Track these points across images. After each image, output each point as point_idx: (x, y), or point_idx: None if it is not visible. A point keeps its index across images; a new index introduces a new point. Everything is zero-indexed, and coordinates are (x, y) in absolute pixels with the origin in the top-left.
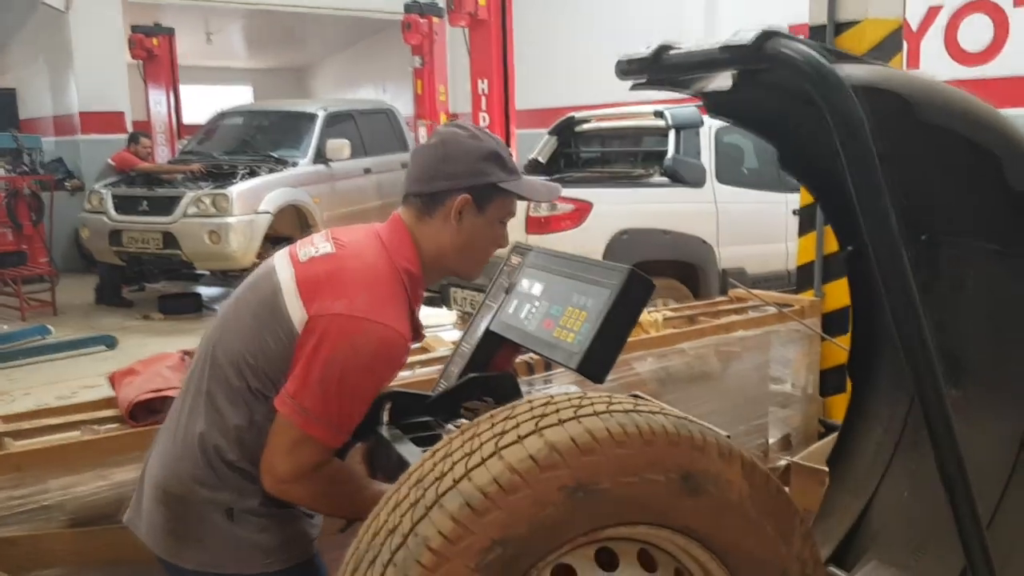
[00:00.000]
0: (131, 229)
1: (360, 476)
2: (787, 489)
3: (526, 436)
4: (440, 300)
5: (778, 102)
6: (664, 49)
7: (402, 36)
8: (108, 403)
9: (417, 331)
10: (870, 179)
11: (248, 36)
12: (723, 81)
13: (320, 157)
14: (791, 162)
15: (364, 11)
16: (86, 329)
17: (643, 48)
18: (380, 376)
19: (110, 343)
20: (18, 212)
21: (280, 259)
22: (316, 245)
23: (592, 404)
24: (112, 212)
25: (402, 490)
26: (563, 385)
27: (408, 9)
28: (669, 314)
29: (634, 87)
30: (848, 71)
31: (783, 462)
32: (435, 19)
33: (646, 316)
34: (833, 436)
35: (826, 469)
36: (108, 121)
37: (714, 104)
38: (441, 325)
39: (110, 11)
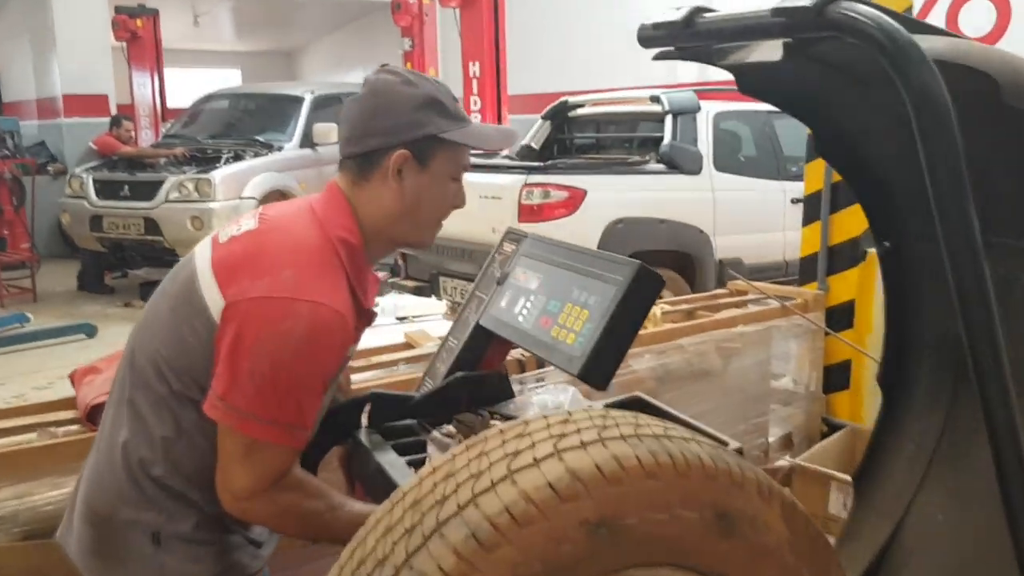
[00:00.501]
0: (112, 214)
1: (334, 493)
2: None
3: (543, 459)
4: (429, 289)
5: (819, 79)
6: (698, 12)
7: (392, 17)
8: (68, 403)
9: (363, 309)
10: (952, 171)
11: (236, 18)
12: (770, 52)
13: (307, 141)
14: (829, 147)
15: None
16: (66, 317)
17: (672, 11)
18: (319, 361)
19: (90, 331)
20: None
21: (203, 243)
22: (240, 223)
23: (618, 426)
24: (93, 197)
25: (395, 512)
26: (558, 385)
27: None
28: (667, 307)
29: (658, 57)
30: (928, 43)
31: (784, 462)
32: (425, 0)
33: None
34: (838, 435)
35: (831, 472)
36: (91, 104)
37: (750, 81)
38: (430, 315)
39: None
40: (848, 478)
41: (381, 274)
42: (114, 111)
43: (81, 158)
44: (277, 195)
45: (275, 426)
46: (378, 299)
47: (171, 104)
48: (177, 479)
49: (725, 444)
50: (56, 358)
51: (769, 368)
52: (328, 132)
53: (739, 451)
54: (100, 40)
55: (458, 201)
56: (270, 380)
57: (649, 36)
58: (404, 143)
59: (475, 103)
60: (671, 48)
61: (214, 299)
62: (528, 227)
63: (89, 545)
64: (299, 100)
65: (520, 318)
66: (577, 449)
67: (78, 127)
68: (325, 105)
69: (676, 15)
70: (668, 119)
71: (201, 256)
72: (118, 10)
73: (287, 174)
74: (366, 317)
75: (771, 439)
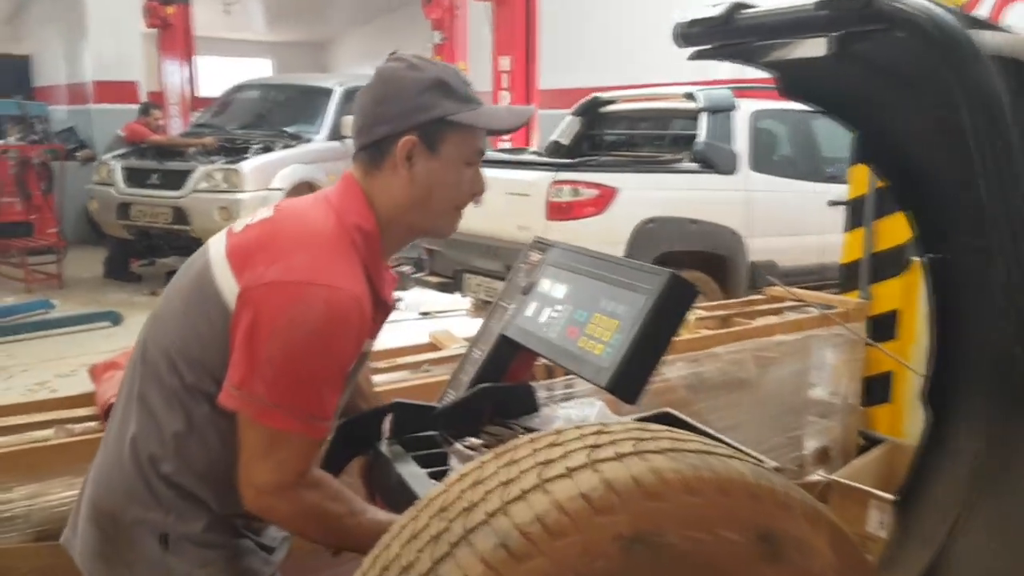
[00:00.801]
0: (140, 202)
1: (356, 499)
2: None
3: (577, 469)
4: (453, 286)
5: (864, 80)
6: (738, 7)
7: (422, 11)
8: (88, 399)
9: (381, 298)
10: (1007, 172)
11: (268, 8)
12: (814, 48)
13: (336, 134)
14: (873, 152)
15: None
16: (92, 304)
17: (710, 7)
18: (336, 347)
19: (115, 319)
20: (27, 182)
21: (218, 235)
22: (256, 215)
23: (655, 438)
24: (121, 184)
25: (421, 519)
26: (584, 399)
27: None
28: (702, 313)
29: (695, 56)
30: (983, 38)
31: (818, 477)
32: None
33: None
34: (877, 451)
35: (870, 489)
36: (121, 91)
37: (791, 81)
38: (454, 311)
39: None
40: (888, 496)
41: (406, 268)
42: (144, 99)
43: (109, 145)
44: (305, 187)
45: (295, 415)
46: (402, 294)
47: (202, 93)
48: (187, 477)
49: (761, 463)
50: (80, 345)
51: (807, 379)
52: None
53: (777, 470)
54: (131, 27)
55: (476, 187)
56: (287, 366)
57: (685, 33)
58: (411, 128)
59: (504, 97)
60: (708, 46)
61: (229, 286)
62: (556, 226)
63: (94, 547)
64: (329, 92)
65: (546, 328)
66: (612, 460)
67: (107, 113)
68: (355, 98)
69: (714, 11)
70: (703, 116)
71: (215, 246)
72: None
73: (315, 166)
74: (383, 309)
75: (806, 452)
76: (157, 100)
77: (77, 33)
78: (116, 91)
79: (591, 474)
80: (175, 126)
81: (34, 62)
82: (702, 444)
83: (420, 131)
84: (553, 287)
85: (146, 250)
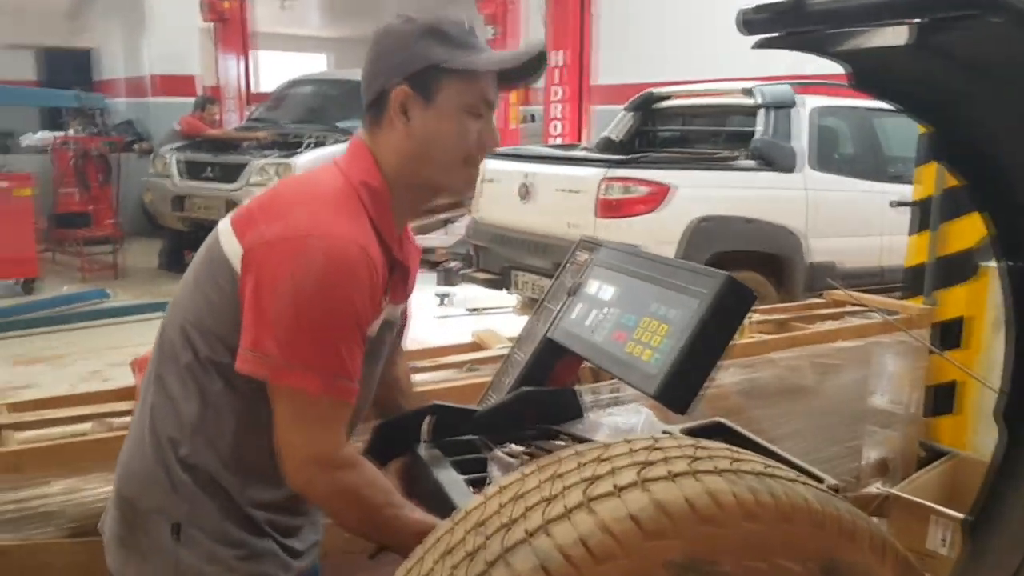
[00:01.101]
0: (195, 195)
1: (394, 490)
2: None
3: (625, 488)
4: (501, 283)
5: (943, 71)
6: None
7: (476, 5)
8: (129, 392)
9: (396, 258)
10: None
11: (324, 4)
12: (894, 37)
13: None
14: (952, 151)
15: None
16: (146, 295)
17: None
18: (345, 297)
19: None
20: (87, 173)
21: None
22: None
23: (712, 457)
24: (176, 177)
25: (457, 532)
26: (630, 405)
27: None
28: (758, 317)
29: (760, 44)
30: None
31: (876, 489)
32: None
33: None
34: (940, 464)
35: (932, 505)
36: (178, 84)
37: (866, 73)
38: (501, 307)
39: None
40: (952, 513)
41: (454, 263)
42: (201, 92)
43: (165, 138)
44: None
45: (313, 373)
46: (450, 289)
47: (261, 88)
48: (205, 459)
49: (820, 480)
50: (134, 335)
51: (867, 387)
52: None
53: (835, 489)
54: (189, 21)
55: (486, 139)
56: (296, 321)
57: (749, 20)
58: (404, 79)
59: (556, 93)
60: (776, 35)
61: (234, 249)
62: (606, 223)
63: (115, 532)
64: None
65: (592, 331)
66: (664, 480)
67: (164, 107)
68: None
69: None
70: (761, 113)
71: (224, 220)
72: None
73: None
74: (402, 272)
75: (865, 463)
76: (215, 94)
77: (137, 27)
78: (174, 85)
79: (641, 494)
80: (232, 120)
81: (96, 55)
82: (763, 464)
83: (412, 81)
84: (600, 288)
85: (200, 242)
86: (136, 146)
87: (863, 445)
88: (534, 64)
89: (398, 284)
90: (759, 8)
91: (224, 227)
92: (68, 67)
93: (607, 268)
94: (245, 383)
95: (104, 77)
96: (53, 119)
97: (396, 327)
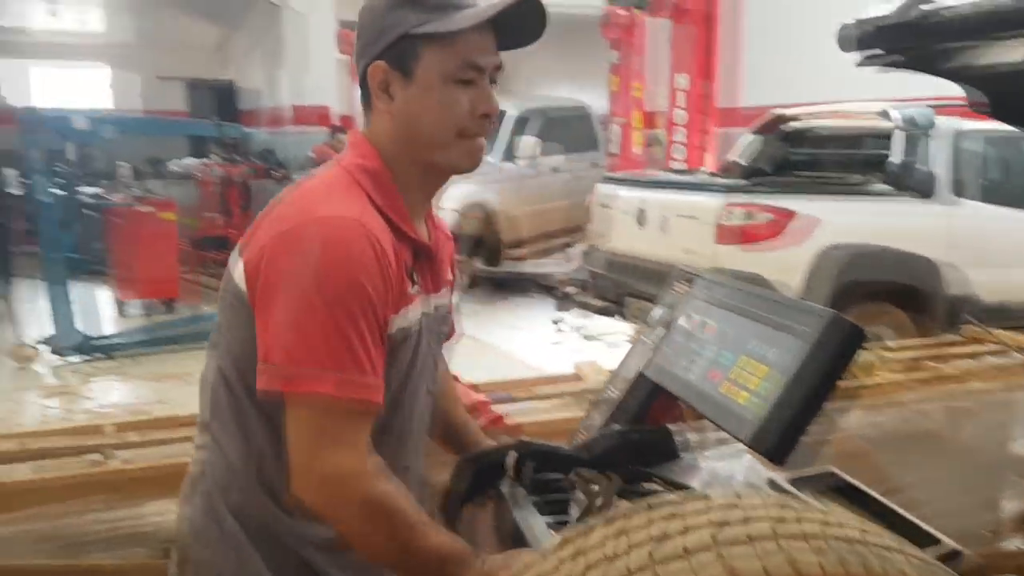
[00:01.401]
0: None
1: (424, 516)
2: None
3: (696, 551)
4: (615, 309)
5: None
6: (919, 1)
7: (600, 30)
8: None
9: (409, 234)
10: None
11: None
12: (1017, 51)
13: (509, 155)
14: None
15: (564, 6)
16: None
17: (883, 6)
18: (347, 276)
19: None
20: (228, 199)
21: None
22: None
23: (800, 520)
24: None
25: None
26: (733, 448)
27: (609, 1)
28: (887, 355)
29: (864, 63)
30: None
31: (1017, 546)
32: (636, 11)
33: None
34: None
35: None
36: (314, 114)
37: (997, 99)
38: (610, 333)
39: (322, 6)
40: None
41: (570, 289)
42: (335, 122)
43: (301, 165)
44: (477, 208)
45: (327, 374)
46: (564, 314)
47: None
48: (257, 502)
49: (937, 541)
50: None
51: (1008, 433)
52: (530, 147)
53: (955, 553)
54: (326, 54)
55: (480, 107)
56: (299, 319)
57: (856, 37)
58: (379, 54)
59: (679, 116)
60: (880, 51)
61: (237, 268)
62: (726, 250)
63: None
64: (502, 115)
65: (686, 369)
66: (742, 544)
67: (300, 136)
68: (528, 120)
69: (888, 7)
70: (897, 136)
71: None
72: (343, 25)
73: (487, 186)
74: (426, 255)
75: (1004, 516)
76: (345, 124)
77: (275, 60)
78: (309, 115)
79: (713, 559)
80: None
81: (238, 87)
82: (860, 529)
83: (388, 56)
84: (697, 323)
85: None
86: (274, 174)
87: (1002, 497)
88: (523, 11)
89: (425, 270)
90: (861, 22)
91: (233, 254)
92: (213, 98)
93: (704, 301)
94: (277, 410)
95: (247, 107)
96: (199, 147)
97: (437, 331)
